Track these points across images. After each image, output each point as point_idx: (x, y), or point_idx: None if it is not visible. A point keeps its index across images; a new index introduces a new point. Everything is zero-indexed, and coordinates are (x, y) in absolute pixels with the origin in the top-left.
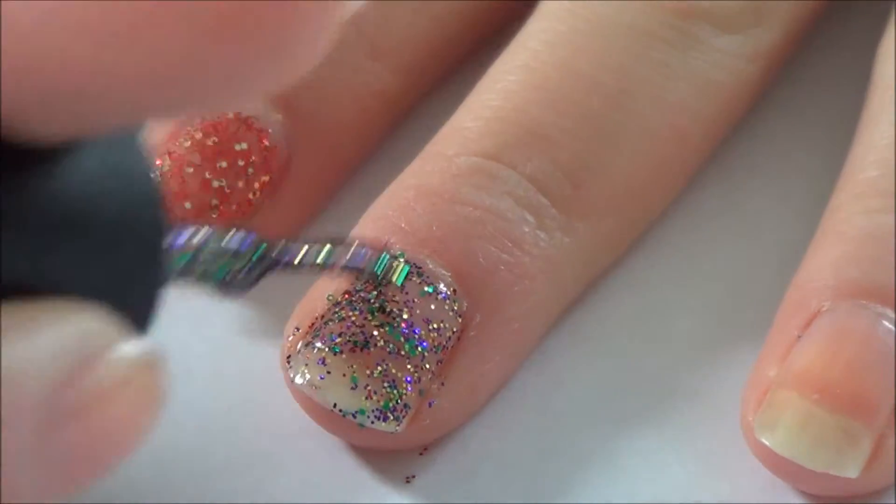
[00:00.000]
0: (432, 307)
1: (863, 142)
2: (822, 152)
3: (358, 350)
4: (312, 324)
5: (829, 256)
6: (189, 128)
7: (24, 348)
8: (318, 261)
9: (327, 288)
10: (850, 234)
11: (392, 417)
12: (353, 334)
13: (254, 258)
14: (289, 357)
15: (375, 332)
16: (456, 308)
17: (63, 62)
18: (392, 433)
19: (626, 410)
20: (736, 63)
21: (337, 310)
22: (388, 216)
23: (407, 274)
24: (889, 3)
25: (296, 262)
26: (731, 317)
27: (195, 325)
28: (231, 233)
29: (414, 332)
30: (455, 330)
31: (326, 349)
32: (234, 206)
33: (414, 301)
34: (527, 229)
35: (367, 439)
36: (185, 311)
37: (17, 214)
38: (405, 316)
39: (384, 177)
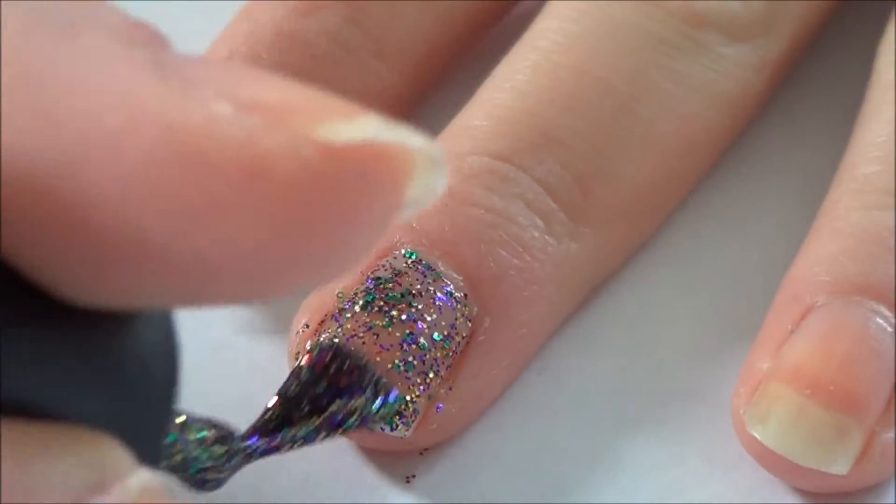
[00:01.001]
0: (444, 312)
1: (861, 137)
2: (821, 154)
3: (370, 351)
4: (322, 321)
5: (826, 251)
6: None
7: (45, 469)
8: (298, 439)
9: (336, 283)
10: (847, 229)
11: (401, 423)
12: (365, 335)
13: (233, 454)
14: (297, 353)
15: (387, 336)
16: (466, 313)
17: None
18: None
19: (626, 410)
20: (743, 73)
21: (347, 308)
22: None
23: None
24: (889, 2)
25: (276, 448)
26: (730, 317)
27: (195, 323)
28: (209, 425)
29: (425, 336)
30: (465, 335)
31: None
32: None
33: (426, 305)
34: (536, 234)
35: (370, 440)
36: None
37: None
38: (417, 321)
39: None
